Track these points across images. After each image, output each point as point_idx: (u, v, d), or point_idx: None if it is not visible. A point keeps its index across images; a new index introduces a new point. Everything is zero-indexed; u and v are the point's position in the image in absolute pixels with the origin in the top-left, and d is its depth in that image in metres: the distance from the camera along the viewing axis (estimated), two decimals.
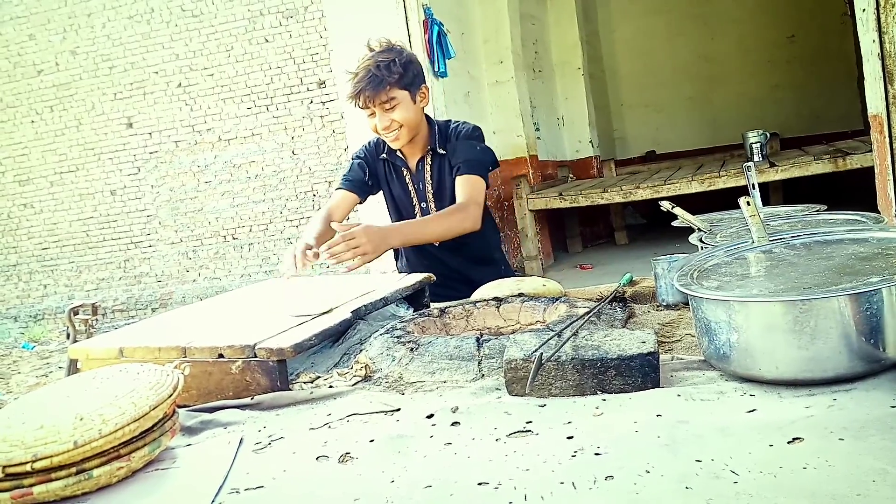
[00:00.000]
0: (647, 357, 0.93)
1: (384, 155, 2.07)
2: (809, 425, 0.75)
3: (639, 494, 0.67)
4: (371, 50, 1.90)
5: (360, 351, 1.25)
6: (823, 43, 8.10)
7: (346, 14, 4.69)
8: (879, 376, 0.84)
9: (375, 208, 2.36)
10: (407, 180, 2.06)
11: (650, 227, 7.78)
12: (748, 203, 1.16)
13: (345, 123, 5.46)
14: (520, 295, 1.44)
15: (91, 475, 0.82)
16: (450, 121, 2.08)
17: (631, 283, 1.57)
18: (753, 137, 6.01)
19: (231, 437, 0.96)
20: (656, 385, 0.93)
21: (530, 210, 5.93)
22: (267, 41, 5.90)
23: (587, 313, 1.17)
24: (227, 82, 6.02)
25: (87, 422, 0.83)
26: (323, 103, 5.85)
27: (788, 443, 0.73)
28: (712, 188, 5.49)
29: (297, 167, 5.98)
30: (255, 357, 1.14)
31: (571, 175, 7.44)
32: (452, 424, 0.90)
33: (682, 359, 1.05)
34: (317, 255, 1.62)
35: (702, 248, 1.37)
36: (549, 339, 1.01)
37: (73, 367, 1.33)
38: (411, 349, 1.17)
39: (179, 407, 1.06)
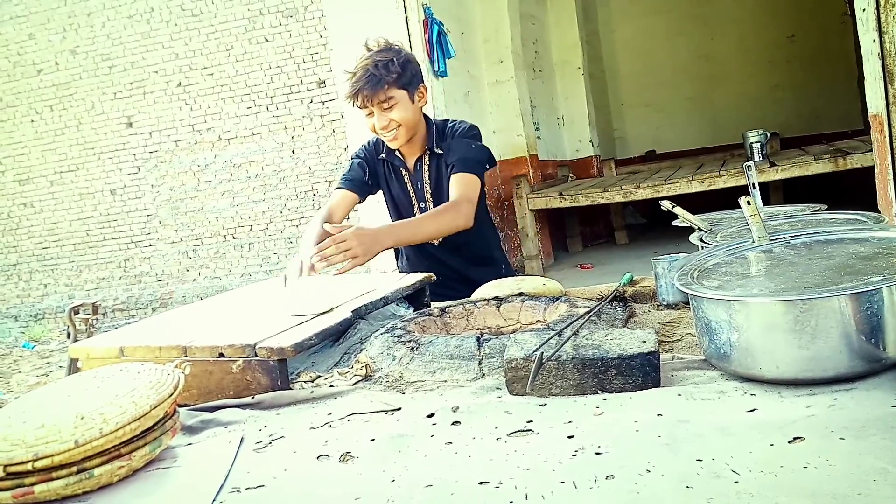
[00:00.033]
0: (647, 356, 0.93)
1: (383, 155, 2.07)
2: (810, 425, 0.75)
3: (639, 494, 0.67)
4: (369, 50, 1.90)
5: (361, 350, 1.25)
6: (823, 43, 8.10)
7: (345, 13, 4.69)
8: (880, 376, 0.84)
9: (375, 208, 2.36)
10: (406, 180, 2.06)
11: (650, 227, 7.79)
12: (748, 202, 1.16)
13: (345, 123, 5.46)
14: (520, 294, 1.44)
15: (92, 474, 0.82)
16: (447, 120, 2.08)
17: (631, 282, 1.57)
18: (753, 137, 6.01)
19: (232, 437, 0.96)
20: (657, 384, 0.93)
21: (530, 209, 5.93)
22: (267, 41, 5.90)
23: (588, 313, 1.17)
24: (227, 82, 6.02)
25: (87, 421, 0.83)
26: (323, 103, 5.85)
27: (789, 442, 0.73)
28: (712, 188, 5.49)
29: (296, 167, 5.98)
30: (256, 356, 1.14)
31: (571, 175, 7.44)
32: (453, 424, 0.90)
33: (682, 358, 1.05)
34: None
35: (702, 247, 1.37)
36: (549, 339, 1.01)
37: (73, 367, 1.33)
38: (412, 348, 1.17)
39: (180, 406, 1.06)
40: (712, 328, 0.92)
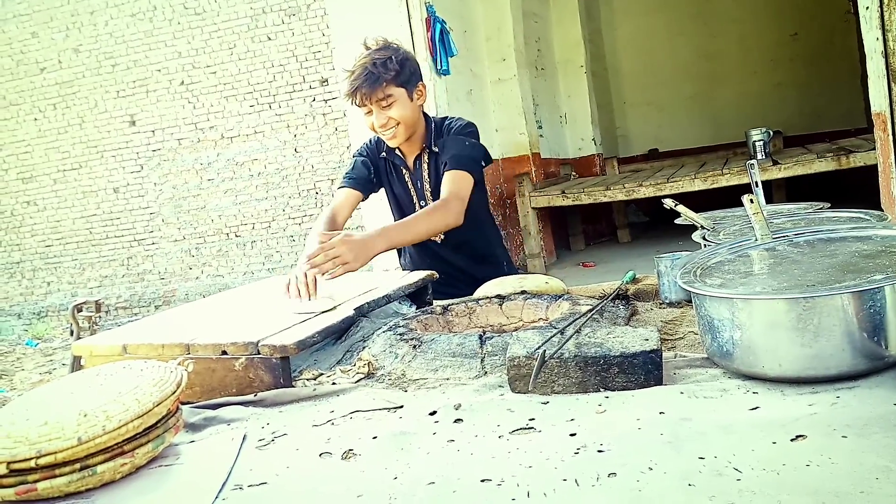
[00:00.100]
0: (649, 354, 0.93)
1: (384, 154, 2.07)
2: (813, 423, 0.75)
3: (641, 492, 0.67)
4: (367, 48, 1.90)
5: (363, 348, 1.25)
6: (827, 41, 8.08)
7: (348, 12, 4.69)
8: (883, 374, 0.84)
9: (378, 206, 2.35)
10: (406, 178, 2.06)
11: (653, 225, 7.78)
12: (751, 201, 1.16)
13: (347, 121, 5.46)
14: (522, 292, 1.44)
15: (95, 471, 0.82)
16: (446, 118, 2.08)
17: (634, 280, 1.57)
18: (756, 135, 6.01)
19: (234, 434, 0.96)
20: (659, 382, 0.93)
21: (533, 208, 5.93)
22: (269, 39, 5.90)
23: (590, 311, 1.17)
24: (230, 80, 6.02)
25: (90, 418, 0.83)
26: (325, 101, 5.85)
27: (791, 440, 0.73)
28: (715, 186, 5.49)
29: (299, 165, 5.98)
30: (259, 354, 1.14)
31: (574, 173, 7.44)
32: (455, 421, 0.91)
33: (685, 356, 1.05)
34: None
35: (705, 245, 1.37)
36: (551, 337, 1.01)
37: (76, 364, 1.34)
38: (414, 346, 1.17)
39: (183, 403, 1.06)
40: (715, 326, 0.92)
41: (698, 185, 5.52)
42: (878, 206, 3.21)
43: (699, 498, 0.64)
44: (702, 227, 1.56)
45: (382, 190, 2.13)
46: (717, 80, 8.73)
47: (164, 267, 6.41)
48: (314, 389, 1.10)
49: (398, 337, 1.21)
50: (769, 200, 1.72)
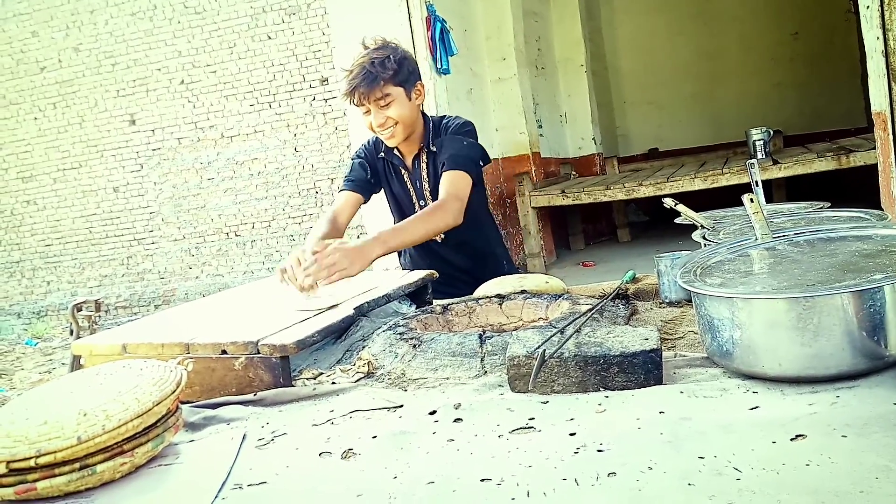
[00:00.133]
0: (649, 354, 0.93)
1: (382, 154, 2.06)
2: (812, 422, 0.75)
3: (641, 491, 0.67)
4: (366, 47, 1.89)
5: (363, 347, 1.25)
6: (827, 40, 8.08)
7: (348, 11, 4.68)
8: (883, 373, 0.84)
9: (378, 206, 2.35)
10: (405, 178, 2.05)
11: (653, 225, 7.78)
12: (751, 200, 1.16)
13: (347, 121, 5.46)
14: (522, 292, 1.44)
15: (94, 471, 0.82)
16: (444, 117, 2.07)
17: (634, 280, 1.57)
18: (757, 135, 6.00)
19: (234, 433, 0.96)
20: (659, 382, 0.93)
21: (533, 207, 5.93)
22: (269, 38, 5.90)
23: (590, 310, 1.17)
24: (230, 79, 6.02)
25: (90, 417, 0.83)
26: (325, 100, 5.85)
27: (791, 440, 0.73)
28: (715, 185, 5.48)
29: (299, 164, 5.98)
30: (258, 353, 1.14)
31: (574, 172, 7.44)
32: (455, 421, 0.91)
33: (684, 356, 1.05)
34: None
35: (705, 245, 1.37)
36: (551, 336, 1.01)
37: (76, 364, 1.33)
38: (414, 346, 1.17)
39: (183, 403, 1.06)
40: (715, 326, 0.92)
41: (698, 184, 5.52)
42: (878, 206, 3.21)
43: (699, 497, 0.64)
44: (702, 226, 1.56)
45: (382, 190, 2.13)
46: (718, 80, 8.72)
47: (163, 266, 6.41)
48: (314, 389, 1.10)
49: (398, 336, 1.21)
50: (769, 200, 1.72)
